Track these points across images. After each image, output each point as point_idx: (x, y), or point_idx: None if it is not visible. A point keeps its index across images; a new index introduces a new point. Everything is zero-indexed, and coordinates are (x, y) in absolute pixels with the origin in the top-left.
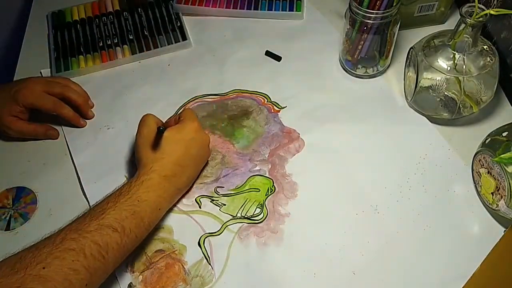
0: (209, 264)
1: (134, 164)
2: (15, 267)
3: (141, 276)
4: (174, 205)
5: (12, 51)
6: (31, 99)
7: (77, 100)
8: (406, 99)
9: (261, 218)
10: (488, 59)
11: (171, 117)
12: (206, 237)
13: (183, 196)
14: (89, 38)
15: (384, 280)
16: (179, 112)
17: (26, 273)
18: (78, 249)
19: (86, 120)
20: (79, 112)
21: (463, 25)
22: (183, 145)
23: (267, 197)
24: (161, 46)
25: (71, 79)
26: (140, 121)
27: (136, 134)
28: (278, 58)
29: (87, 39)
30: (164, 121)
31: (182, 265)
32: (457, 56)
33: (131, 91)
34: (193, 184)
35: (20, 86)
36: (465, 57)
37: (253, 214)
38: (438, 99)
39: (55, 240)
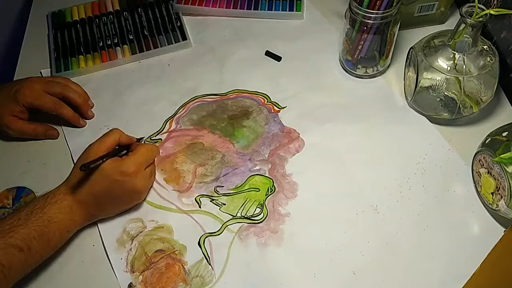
0: (209, 264)
1: None
2: None
3: (141, 276)
4: (172, 204)
5: (12, 51)
6: (31, 98)
7: (77, 100)
8: (406, 99)
9: (261, 218)
10: (488, 59)
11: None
12: (206, 237)
13: (183, 196)
14: (89, 38)
15: (384, 280)
16: (139, 142)
17: None
18: None
19: (86, 120)
20: (79, 112)
21: (463, 25)
22: (108, 182)
23: (267, 197)
24: (161, 46)
25: (71, 79)
26: (106, 133)
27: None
28: (278, 58)
29: (87, 39)
30: (132, 140)
31: (182, 265)
32: (457, 56)
33: (131, 91)
34: (192, 184)
35: (20, 85)
36: (465, 57)
37: (253, 214)
38: (438, 99)
39: None
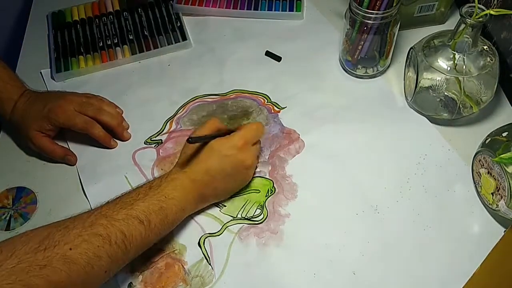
0: (209, 264)
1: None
2: (43, 244)
3: (141, 276)
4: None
5: (12, 51)
6: (63, 119)
7: (111, 122)
8: (406, 99)
9: (261, 219)
10: (488, 59)
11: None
12: (206, 237)
13: None
14: (89, 38)
15: (384, 280)
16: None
17: (54, 252)
18: (105, 236)
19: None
20: (114, 133)
21: (463, 25)
22: (218, 158)
23: (267, 198)
24: (161, 46)
25: (71, 79)
26: (204, 123)
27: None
28: (278, 58)
29: (87, 39)
30: (230, 128)
31: (182, 265)
32: (457, 56)
33: (131, 91)
34: None
35: (54, 104)
36: (465, 57)
37: (253, 215)
38: (438, 99)
39: (85, 222)
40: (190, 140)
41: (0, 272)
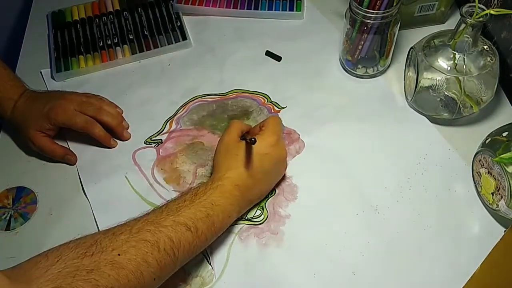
0: (209, 264)
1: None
2: (91, 250)
3: None
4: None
5: (12, 51)
6: (63, 118)
7: (111, 122)
8: (406, 99)
9: (262, 220)
10: (488, 59)
11: (256, 125)
12: None
13: None
14: (89, 38)
15: (384, 280)
16: (263, 121)
17: (101, 257)
18: (153, 242)
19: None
20: (114, 133)
21: (463, 25)
22: (258, 159)
23: (267, 199)
24: (161, 46)
25: (71, 79)
26: (227, 127)
27: (219, 139)
28: (278, 58)
29: (87, 39)
30: (249, 129)
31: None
32: (457, 56)
33: (131, 91)
34: (192, 185)
35: (53, 104)
36: (465, 57)
37: (253, 216)
38: (438, 99)
39: (132, 228)
40: (251, 141)
41: (46, 277)
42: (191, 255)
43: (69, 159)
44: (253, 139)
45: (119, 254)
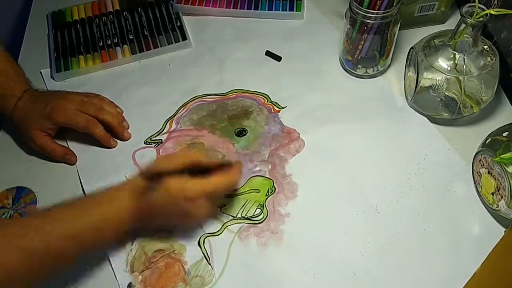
0: (209, 264)
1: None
2: None
3: (140, 276)
4: None
5: (12, 51)
6: (65, 118)
7: (111, 122)
8: (406, 99)
9: (261, 219)
10: (489, 59)
11: (220, 163)
12: (206, 237)
13: None
14: (89, 38)
15: (384, 280)
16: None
17: None
18: (29, 250)
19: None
20: (114, 133)
21: (463, 25)
22: (165, 198)
23: (267, 197)
24: (161, 46)
25: (71, 79)
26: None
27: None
28: (278, 58)
29: (87, 39)
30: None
31: (182, 265)
32: (457, 56)
33: (131, 91)
34: None
35: (55, 104)
36: (465, 57)
37: (253, 215)
38: (439, 99)
39: (17, 233)
40: (141, 175)
41: None
42: (72, 264)
43: (69, 159)
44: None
45: None
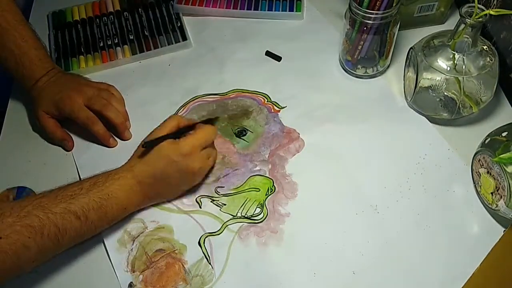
0: (209, 263)
1: None
2: None
3: (141, 276)
4: (173, 205)
5: None
6: (69, 110)
7: (115, 120)
8: (406, 99)
9: (261, 218)
10: (488, 59)
11: (197, 123)
12: (207, 237)
13: (183, 196)
14: (90, 38)
15: (384, 280)
16: (198, 123)
17: None
18: (37, 228)
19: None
20: (116, 131)
21: (462, 25)
22: (165, 162)
23: (267, 197)
24: (161, 46)
25: None
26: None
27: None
28: (278, 58)
29: (87, 39)
30: (190, 123)
31: (182, 265)
32: (456, 56)
33: (131, 91)
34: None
35: (66, 94)
36: (464, 57)
37: (253, 214)
38: (438, 99)
39: (21, 212)
40: (145, 146)
41: None
42: (77, 242)
43: (66, 144)
44: (144, 145)
45: (0, 238)
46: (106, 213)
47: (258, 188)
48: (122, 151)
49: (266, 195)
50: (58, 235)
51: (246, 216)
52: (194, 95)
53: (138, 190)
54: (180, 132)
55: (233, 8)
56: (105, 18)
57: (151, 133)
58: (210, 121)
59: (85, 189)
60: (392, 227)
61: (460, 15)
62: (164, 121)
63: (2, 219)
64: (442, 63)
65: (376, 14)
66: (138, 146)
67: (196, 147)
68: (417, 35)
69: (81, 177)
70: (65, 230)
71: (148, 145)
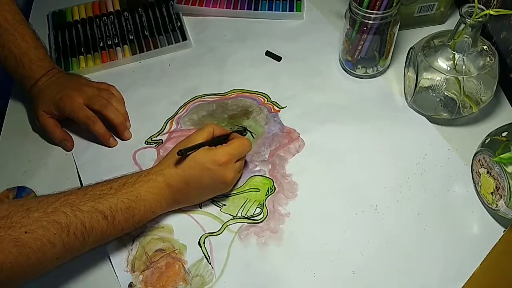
0: (209, 263)
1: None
2: (0, 223)
3: (141, 276)
4: None
5: None
6: (69, 110)
7: (115, 120)
8: (406, 99)
9: (261, 218)
10: (488, 59)
11: (232, 132)
12: (207, 237)
13: None
14: (90, 38)
15: (384, 280)
16: (232, 133)
17: (7, 233)
18: (64, 225)
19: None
20: (116, 131)
21: (462, 25)
22: (199, 169)
23: (267, 197)
24: (161, 46)
25: None
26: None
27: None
28: (278, 58)
29: (87, 39)
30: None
31: (182, 265)
32: (456, 56)
33: (131, 91)
34: None
35: (66, 93)
36: (464, 57)
37: (253, 214)
38: (438, 99)
39: (49, 207)
40: (180, 154)
41: None
42: (102, 242)
43: (65, 144)
44: (179, 153)
45: (26, 232)
46: (133, 215)
47: (258, 188)
48: (122, 151)
49: (266, 195)
50: (84, 233)
51: (246, 216)
52: (194, 95)
53: (167, 193)
54: (214, 141)
55: (233, 8)
56: (105, 18)
57: (185, 139)
58: (240, 132)
59: (114, 189)
60: (392, 227)
61: (460, 15)
62: (199, 128)
63: (28, 213)
64: (442, 63)
65: (376, 14)
66: (170, 151)
67: (232, 157)
68: (417, 35)
69: (81, 177)
70: (91, 229)
71: (183, 153)
